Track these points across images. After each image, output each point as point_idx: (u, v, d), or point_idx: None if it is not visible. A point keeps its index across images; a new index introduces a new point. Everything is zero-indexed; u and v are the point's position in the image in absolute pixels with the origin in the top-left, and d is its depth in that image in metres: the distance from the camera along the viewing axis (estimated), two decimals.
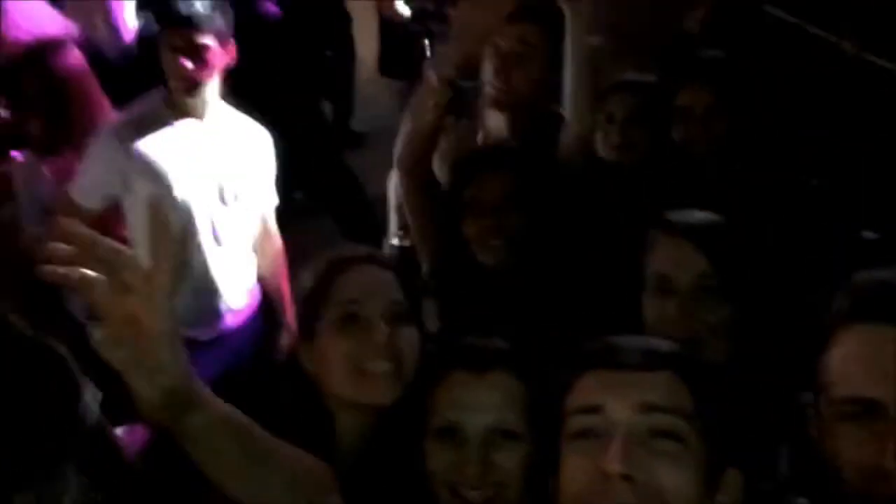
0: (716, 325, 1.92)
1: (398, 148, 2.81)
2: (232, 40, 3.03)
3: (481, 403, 1.65)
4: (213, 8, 2.97)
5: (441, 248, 2.56)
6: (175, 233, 1.29)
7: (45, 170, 3.10)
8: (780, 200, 2.59)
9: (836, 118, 3.18)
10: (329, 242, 3.63)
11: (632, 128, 2.74)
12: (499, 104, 2.80)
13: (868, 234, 2.71)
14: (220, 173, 3.07)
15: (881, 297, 1.42)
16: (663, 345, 1.42)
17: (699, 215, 2.01)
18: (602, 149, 2.76)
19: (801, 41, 3.55)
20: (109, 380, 1.28)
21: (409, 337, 1.80)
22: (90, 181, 2.99)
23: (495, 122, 2.84)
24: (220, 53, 2.99)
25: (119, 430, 1.69)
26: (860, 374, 1.39)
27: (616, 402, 1.32)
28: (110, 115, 3.18)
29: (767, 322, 1.97)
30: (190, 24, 2.92)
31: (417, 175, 2.64)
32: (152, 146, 2.98)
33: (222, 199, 3.07)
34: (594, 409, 1.33)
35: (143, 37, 3.92)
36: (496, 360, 1.69)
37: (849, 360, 1.41)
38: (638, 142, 2.74)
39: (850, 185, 2.84)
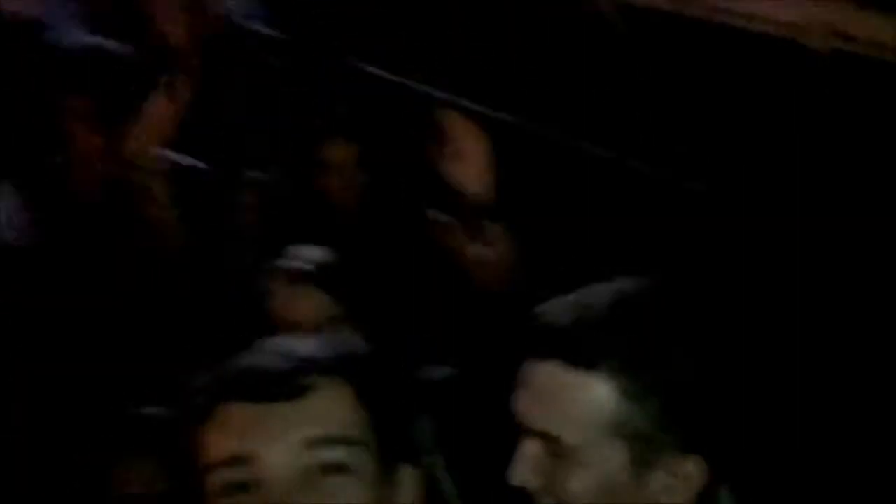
0: None
1: None
2: None
3: None
4: None
5: None
6: None
7: None
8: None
9: None
10: None
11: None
12: None
13: None
14: None
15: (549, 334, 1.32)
16: (317, 350, 1.11)
17: (313, 253, 2.10)
18: None
19: None
20: None
21: None
22: None
23: None
24: None
25: None
26: (525, 404, 1.34)
27: (270, 447, 1.04)
28: None
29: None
30: None
31: None
32: None
33: None
34: (244, 461, 1.04)
35: None
36: None
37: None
38: None
39: None
